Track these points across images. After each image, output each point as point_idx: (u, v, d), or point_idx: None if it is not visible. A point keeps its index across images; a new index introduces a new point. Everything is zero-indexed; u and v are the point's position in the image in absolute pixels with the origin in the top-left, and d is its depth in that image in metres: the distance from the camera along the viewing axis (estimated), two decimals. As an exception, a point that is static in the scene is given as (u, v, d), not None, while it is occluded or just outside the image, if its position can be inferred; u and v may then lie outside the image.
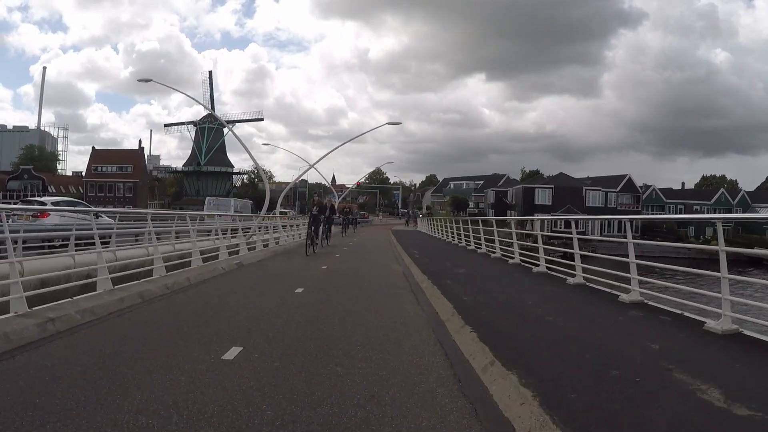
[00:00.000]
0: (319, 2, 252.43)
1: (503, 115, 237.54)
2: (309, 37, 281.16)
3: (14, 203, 32.20)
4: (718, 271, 5.69)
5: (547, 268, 11.24)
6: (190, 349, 4.91)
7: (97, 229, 16.29)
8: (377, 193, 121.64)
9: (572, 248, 10.69)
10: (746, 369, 4.27)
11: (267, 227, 21.52)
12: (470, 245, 19.34)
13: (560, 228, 49.11)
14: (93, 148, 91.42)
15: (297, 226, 27.09)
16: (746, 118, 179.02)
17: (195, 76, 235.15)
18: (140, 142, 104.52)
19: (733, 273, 6.13)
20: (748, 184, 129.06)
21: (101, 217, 19.58)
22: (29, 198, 39.35)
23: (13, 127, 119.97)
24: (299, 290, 8.74)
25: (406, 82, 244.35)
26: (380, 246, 23.68)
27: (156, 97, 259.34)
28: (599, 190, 68.27)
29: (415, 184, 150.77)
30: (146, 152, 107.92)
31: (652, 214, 68.36)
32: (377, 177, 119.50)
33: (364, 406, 3.56)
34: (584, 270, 9.89)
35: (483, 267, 12.83)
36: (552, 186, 68.28)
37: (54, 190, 79.02)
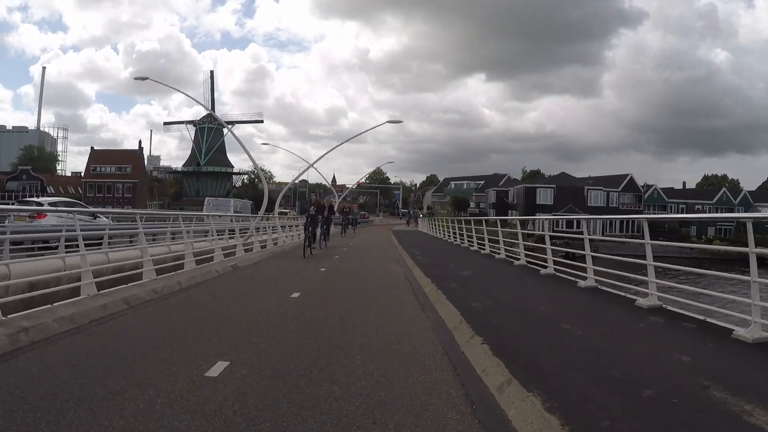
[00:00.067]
0: (319, 2, 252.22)
1: (503, 115, 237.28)
2: (309, 37, 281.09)
3: (12, 204, 31.76)
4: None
5: (555, 269, 10.77)
6: (171, 364, 4.42)
7: (91, 230, 16.09)
8: (377, 193, 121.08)
9: (575, 249, 10.37)
10: (792, 385, 3.80)
11: (265, 228, 21.07)
12: (473, 246, 18.84)
13: (562, 228, 48.68)
14: (92, 148, 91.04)
15: (296, 226, 26.61)
16: (746, 118, 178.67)
17: (195, 77, 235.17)
18: (140, 142, 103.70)
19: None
20: (749, 183, 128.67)
21: (99, 217, 19.20)
22: (26, 199, 38.96)
23: (13, 127, 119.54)
24: (295, 295, 8.24)
25: (406, 82, 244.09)
26: (381, 247, 23.18)
27: (156, 98, 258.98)
28: (601, 189, 67.80)
29: (416, 184, 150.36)
30: (146, 153, 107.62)
31: (655, 213, 67.93)
32: (378, 177, 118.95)
33: (365, 437, 3.08)
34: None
35: (488, 269, 12.33)
36: (554, 186, 67.81)
37: (53, 191, 78.60)
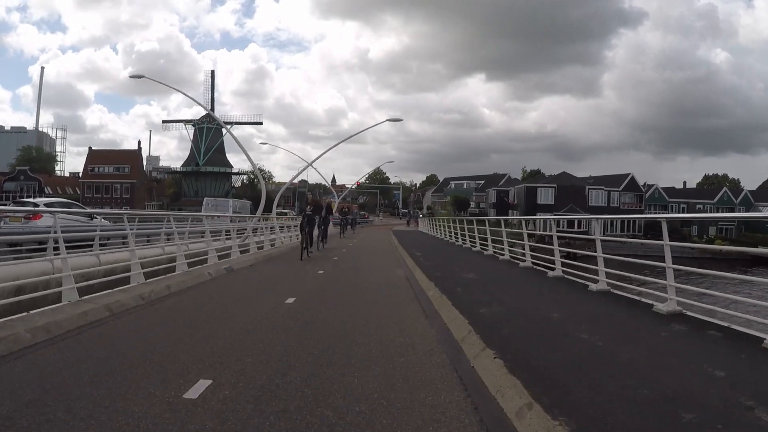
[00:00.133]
0: (319, 2, 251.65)
1: (504, 115, 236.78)
2: (309, 37, 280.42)
3: (9, 205, 31.28)
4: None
5: (563, 271, 10.30)
6: (148, 383, 3.94)
7: (78, 231, 15.61)
8: (377, 193, 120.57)
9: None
10: None
11: (263, 228, 20.59)
12: (475, 246, 18.36)
13: (563, 228, 48.18)
14: (90, 148, 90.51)
15: (295, 227, 26.08)
16: (746, 118, 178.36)
17: (194, 77, 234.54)
18: (139, 142, 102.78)
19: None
20: (748, 183, 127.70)
21: (96, 218, 18.75)
22: (22, 199, 38.50)
23: (11, 128, 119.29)
24: (290, 300, 7.74)
25: (406, 82, 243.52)
26: (381, 248, 22.69)
27: (156, 98, 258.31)
28: (602, 189, 67.38)
29: (416, 184, 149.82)
30: (146, 153, 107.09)
31: (656, 213, 67.49)
32: (377, 177, 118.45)
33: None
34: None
35: (493, 271, 11.84)
36: (554, 185, 67.40)
37: (51, 192, 78.09)
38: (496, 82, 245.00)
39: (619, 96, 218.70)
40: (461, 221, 22.95)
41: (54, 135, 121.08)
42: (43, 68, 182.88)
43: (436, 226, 32.69)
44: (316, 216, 15.88)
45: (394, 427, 3.21)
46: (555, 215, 53.62)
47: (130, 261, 11.22)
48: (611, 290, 8.35)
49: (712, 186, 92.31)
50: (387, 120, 30.70)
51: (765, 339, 5.00)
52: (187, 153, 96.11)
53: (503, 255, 14.44)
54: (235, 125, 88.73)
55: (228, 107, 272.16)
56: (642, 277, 9.16)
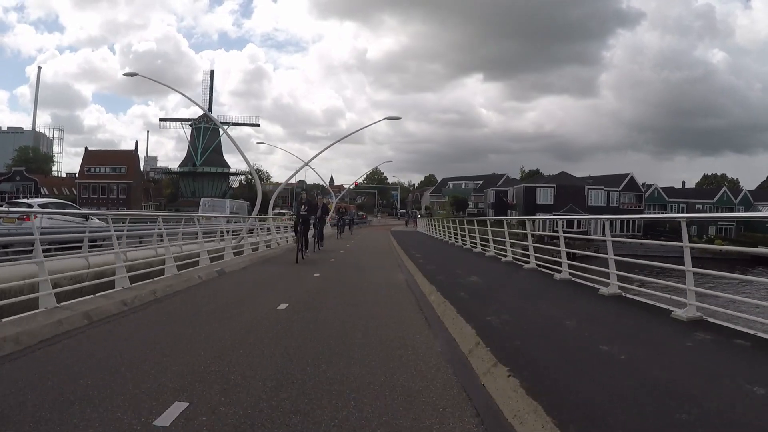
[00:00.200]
0: (317, 2, 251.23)
1: (502, 115, 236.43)
2: (307, 37, 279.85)
3: (2, 205, 30.77)
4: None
5: (570, 274, 9.84)
6: (117, 406, 3.45)
7: (69, 232, 15.12)
8: (375, 193, 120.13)
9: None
10: None
11: (259, 229, 20.10)
12: (476, 247, 17.88)
13: (563, 227, 47.58)
14: (86, 148, 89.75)
15: (292, 227, 25.55)
16: (744, 118, 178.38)
17: (192, 77, 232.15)
18: (136, 143, 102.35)
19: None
20: (746, 183, 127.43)
21: (92, 219, 18.27)
22: (16, 200, 37.93)
23: (8, 128, 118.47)
24: (282, 306, 7.23)
25: (404, 82, 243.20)
26: (379, 249, 22.20)
27: (153, 98, 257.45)
28: (601, 189, 67.03)
29: (414, 184, 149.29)
30: (143, 154, 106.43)
31: (655, 213, 67.12)
32: (375, 177, 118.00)
33: None
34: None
35: (496, 274, 11.35)
36: (554, 185, 67.00)
37: (47, 192, 77.46)
38: (494, 82, 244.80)
39: (617, 96, 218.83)
40: (461, 222, 22.47)
41: (51, 135, 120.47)
42: (40, 68, 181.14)
43: (435, 226, 32.21)
44: (312, 216, 15.22)
45: (397, 465, 2.72)
46: (554, 215, 53.18)
47: (122, 263, 10.84)
48: (623, 294, 7.89)
49: (711, 186, 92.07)
50: (385, 118, 30.17)
51: (800, 349, 4.57)
52: (185, 153, 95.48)
53: (506, 256, 13.96)
54: (232, 126, 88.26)
55: (226, 107, 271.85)
56: (651, 280, 8.71)
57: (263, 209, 27.74)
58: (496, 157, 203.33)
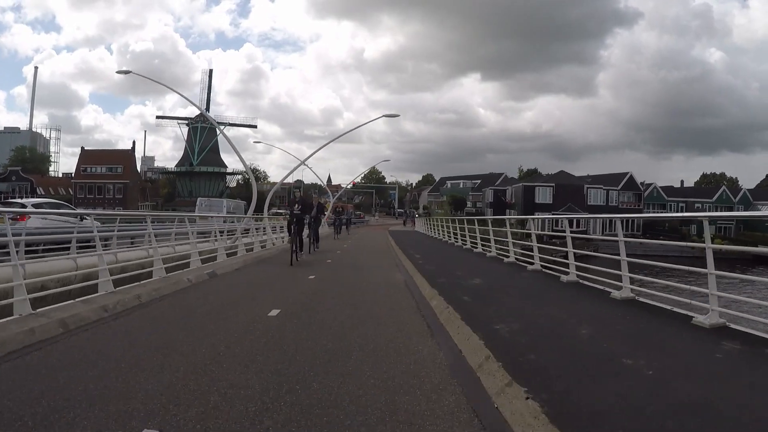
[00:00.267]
0: (314, 2, 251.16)
1: (499, 114, 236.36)
2: (304, 37, 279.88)
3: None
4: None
5: (577, 275, 9.38)
6: (76, 435, 2.99)
7: (58, 233, 14.62)
8: (373, 192, 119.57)
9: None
10: None
11: (254, 229, 19.63)
12: (477, 247, 17.43)
13: (561, 227, 47.08)
14: (82, 148, 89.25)
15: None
16: (741, 117, 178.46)
17: (189, 77, 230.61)
18: (134, 143, 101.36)
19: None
20: (744, 181, 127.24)
21: (86, 219, 17.80)
22: (9, 200, 37.42)
23: (5, 128, 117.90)
24: (274, 313, 6.74)
25: (402, 81, 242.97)
26: (377, 249, 21.71)
27: (151, 98, 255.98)
28: (600, 188, 66.65)
29: (412, 184, 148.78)
30: (140, 154, 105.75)
31: (655, 212, 66.78)
32: (373, 176, 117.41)
33: None
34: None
35: (500, 276, 10.87)
36: (553, 184, 66.58)
37: (43, 192, 76.97)
38: (492, 82, 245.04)
39: (615, 95, 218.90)
40: (461, 221, 22.00)
41: (48, 135, 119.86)
42: (36, 68, 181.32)
43: (433, 226, 31.75)
44: (306, 215, 14.62)
45: None
46: (554, 214, 52.77)
47: (114, 265, 10.38)
48: (636, 298, 7.44)
49: (710, 185, 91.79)
50: (383, 116, 29.66)
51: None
52: (182, 153, 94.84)
53: (508, 257, 13.50)
54: (229, 126, 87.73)
55: (223, 107, 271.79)
56: (665, 282, 8.25)
57: (259, 209, 27.25)
58: (494, 156, 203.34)
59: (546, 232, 18.23)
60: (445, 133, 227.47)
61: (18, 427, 3.11)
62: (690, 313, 6.34)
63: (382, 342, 5.27)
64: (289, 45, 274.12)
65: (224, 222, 20.49)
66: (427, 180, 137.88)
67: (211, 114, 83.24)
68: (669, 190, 76.87)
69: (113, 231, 16.03)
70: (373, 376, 4.13)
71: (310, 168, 54.28)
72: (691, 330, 5.56)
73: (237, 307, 7.29)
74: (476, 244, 17.64)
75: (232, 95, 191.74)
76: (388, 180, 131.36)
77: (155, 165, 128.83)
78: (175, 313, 6.83)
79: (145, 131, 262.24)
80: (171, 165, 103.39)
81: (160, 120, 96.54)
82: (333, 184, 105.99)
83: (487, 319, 5.74)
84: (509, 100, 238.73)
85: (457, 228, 22.28)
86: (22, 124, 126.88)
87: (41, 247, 14.33)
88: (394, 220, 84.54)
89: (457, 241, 21.76)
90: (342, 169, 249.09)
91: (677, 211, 70.30)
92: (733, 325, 5.74)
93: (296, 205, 13.66)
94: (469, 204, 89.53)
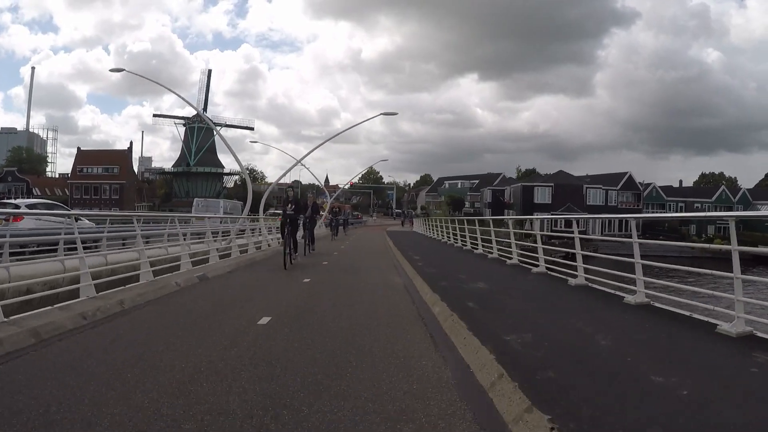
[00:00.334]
0: (312, 2, 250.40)
1: (497, 114, 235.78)
2: (302, 37, 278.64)
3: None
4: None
5: (586, 278, 8.93)
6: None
7: (45, 235, 14.13)
8: (371, 193, 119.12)
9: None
10: None
11: (249, 230, 19.16)
12: (477, 249, 16.96)
13: (561, 227, 46.82)
14: (78, 148, 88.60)
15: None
16: (738, 117, 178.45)
17: (187, 77, 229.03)
18: (131, 143, 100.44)
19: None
20: (742, 181, 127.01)
21: (81, 220, 17.40)
22: (3, 201, 36.92)
23: (1, 129, 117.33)
24: (264, 321, 6.24)
25: (399, 82, 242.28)
26: (375, 250, 21.24)
27: (148, 99, 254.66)
28: (600, 188, 66.30)
29: (409, 184, 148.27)
30: (138, 154, 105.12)
31: (653, 212, 66.42)
32: (371, 177, 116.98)
33: None
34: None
35: (504, 279, 10.39)
36: (551, 184, 66.17)
37: (39, 193, 76.41)
38: (489, 82, 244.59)
39: (612, 95, 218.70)
40: (460, 221, 21.54)
41: (45, 136, 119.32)
42: (33, 68, 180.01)
43: (431, 226, 31.28)
44: (300, 216, 14.01)
45: None
46: (553, 214, 52.31)
47: (102, 267, 9.91)
48: (651, 303, 6.98)
49: (709, 185, 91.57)
50: (381, 114, 29.31)
51: None
52: (179, 154, 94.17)
53: (511, 259, 13.03)
54: (227, 127, 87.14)
55: (220, 108, 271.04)
56: (678, 285, 7.81)
57: (254, 209, 26.77)
58: (492, 156, 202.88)
59: (546, 233, 17.80)
60: (443, 134, 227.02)
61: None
62: (712, 320, 5.89)
63: (381, 355, 4.78)
64: (286, 45, 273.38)
65: (221, 222, 20.02)
66: (424, 180, 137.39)
67: (209, 114, 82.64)
68: (668, 189, 76.57)
69: (103, 232, 15.59)
70: (372, 398, 3.64)
71: (307, 168, 54.02)
72: (717, 339, 5.11)
73: (225, 314, 6.79)
74: (477, 245, 17.18)
75: (230, 96, 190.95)
76: (385, 180, 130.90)
77: (153, 165, 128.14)
78: (158, 322, 6.33)
79: (143, 132, 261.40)
80: (168, 165, 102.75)
81: (157, 118, 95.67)
82: (330, 184, 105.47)
83: (495, 329, 5.27)
84: (506, 100, 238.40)
85: (457, 228, 21.83)
86: (20, 125, 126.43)
87: (28, 249, 13.93)
88: (392, 221, 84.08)
89: (456, 242, 21.30)
90: (339, 170, 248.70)
91: (677, 211, 69.98)
92: (759, 333, 5.30)
93: (289, 205, 13.00)
94: (467, 204, 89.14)
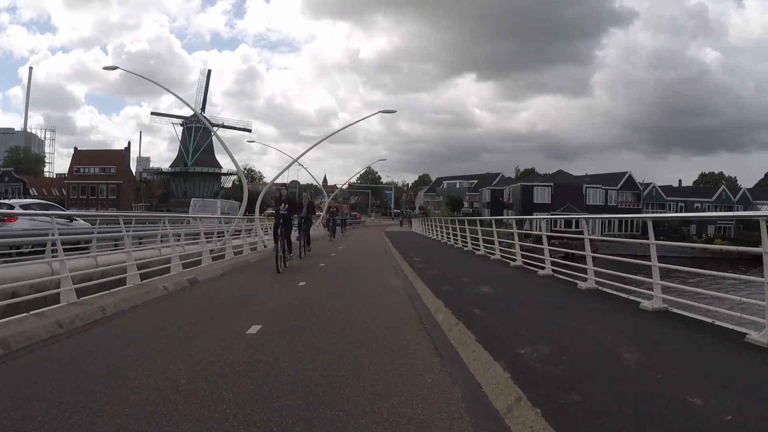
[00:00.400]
0: (310, 2, 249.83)
1: (495, 114, 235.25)
2: (300, 37, 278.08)
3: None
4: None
5: (596, 282, 8.47)
6: None
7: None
8: (369, 193, 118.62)
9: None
10: None
11: (244, 231, 18.70)
12: (478, 250, 16.49)
13: (561, 227, 46.40)
14: (75, 148, 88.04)
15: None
16: (737, 117, 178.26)
17: (185, 78, 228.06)
18: (129, 143, 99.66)
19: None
20: (741, 181, 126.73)
21: (76, 220, 16.96)
22: (-1, 201, 36.52)
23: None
24: (254, 330, 5.77)
25: (397, 82, 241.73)
26: (373, 251, 20.78)
27: (146, 99, 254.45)
28: (599, 187, 65.88)
29: (408, 184, 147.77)
30: (136, 154, 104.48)
31: (654, 212, 66.02)
32: (369, 177, 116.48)
33: None
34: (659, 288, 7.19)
35: (510, 282, 9.91)
36: (551, 184, 65.76)
37: (36, 193, 75.94)
38: (487, 82, 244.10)
39: (611, 95, 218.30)
40: (461, 222, 21.09)
41: (43, 136, 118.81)
42: (31, 69, 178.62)
43: (430, 226, 30.82)
44: (294, 215, 13.40)
45: None
46: (552, 214, 51.88)
47: (89, 270, 9.44)
48: (669, 309, 6.52)
49: (708, 184, 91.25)
50: (380, 111, 28.75)
51: None
52: (177, 154, 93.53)
53: (515, 260, 12.56)
54: (224, 128, 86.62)
55: (218, 108, 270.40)
56: (693, 289, 7.34)
57: (251, 209, 26.30)
58: (490, 156, 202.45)
59: (546, 233, 17.36)
60: (441, 134, 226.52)
61: None
62: (738, 328, 5.44)
63: (380, 371, 4.29)
64: (284, 46, 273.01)
65: (218, 223, 19.56)
66: (423, 180, 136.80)
67: (207, 115, 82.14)
68: (668, 189, 76.21)
69: (93, 233, 15.12)
70: (371, 426, 3.16)
71: (305, 168, 53.58)
72: (749, 351, 4.64)
73: (212, 322, 6.31)
74: (478, 246, 16.72)
75: (228, 96, 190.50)
76: (384, 180, 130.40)
77: (151, 166, 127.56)
78: (139, 331, 5.85)
79: (141, 132, 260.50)
80: (166, 165, 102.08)
81: (154, 117, 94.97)
82: (329, 184, 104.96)
83: (507, 340, 4.80)
84: (505, 100, 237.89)
85: (457, 229, 21.38)
86: (18, 125, 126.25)
87: (26, 250, 13.51)
88: (391, 221, 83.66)
89: (456, 243, 20.83)
90: (338, 170, 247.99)
91: (676, 211, 69.56)
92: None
93: (282, 204, 12.39)
94: (465, 204, 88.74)
